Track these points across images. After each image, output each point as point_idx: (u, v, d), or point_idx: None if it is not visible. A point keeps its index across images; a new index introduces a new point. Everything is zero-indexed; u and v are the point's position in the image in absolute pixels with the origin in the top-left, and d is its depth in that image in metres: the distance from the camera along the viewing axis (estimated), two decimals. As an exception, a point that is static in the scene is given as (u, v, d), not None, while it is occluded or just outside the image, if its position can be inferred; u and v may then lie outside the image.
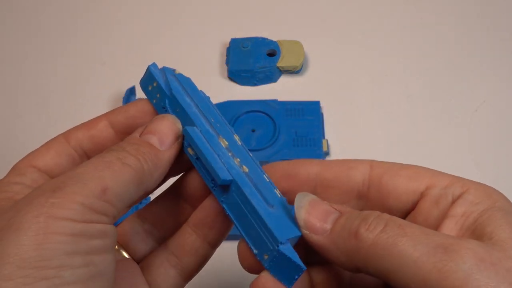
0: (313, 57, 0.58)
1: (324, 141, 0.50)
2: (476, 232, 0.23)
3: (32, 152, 0.27)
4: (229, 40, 0.57)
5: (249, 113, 0.52)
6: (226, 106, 0.53)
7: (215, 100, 0.54)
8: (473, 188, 0.25)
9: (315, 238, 0.25)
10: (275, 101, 0.53)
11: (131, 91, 0.53)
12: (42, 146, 0.28)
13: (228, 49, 0.57)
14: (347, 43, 0.59)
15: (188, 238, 0.29)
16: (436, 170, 0.27)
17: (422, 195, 0.26)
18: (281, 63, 0.55)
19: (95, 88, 0.56)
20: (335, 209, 0.25)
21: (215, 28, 0.60)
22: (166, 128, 0.27)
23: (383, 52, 0.58)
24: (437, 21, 0.61)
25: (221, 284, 0.44)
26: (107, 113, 0.29)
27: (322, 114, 0.53)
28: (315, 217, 0.25)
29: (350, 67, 0.57)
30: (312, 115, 0.52)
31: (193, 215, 0.30)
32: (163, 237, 0.31)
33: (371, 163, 0.28)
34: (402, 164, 0.27)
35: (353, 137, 0.52)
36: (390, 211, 0.27)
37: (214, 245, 0.30)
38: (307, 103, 0.53)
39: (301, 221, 0.25)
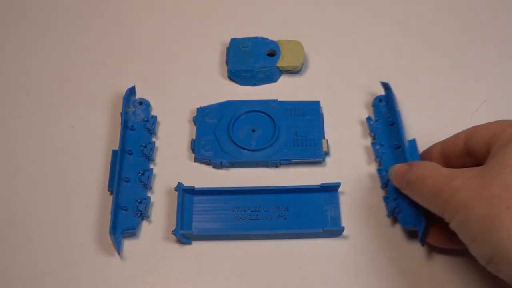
0: (313, 57, 0.58)
1: (324, 141, 0.50)
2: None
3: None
4: (229, 40, 0.57)
5: (249, 113, 0.52)
6: (226, 106, 0.53)
7: (215, 100, 0.55)
8: None
9: (403, 191, 0.43)
10: (275, 101, 0.53)
11: (131, 91, 0.53)
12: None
13: (228, 49, 0.57)
14: (347, 43, 0.59)
15: None
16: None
17: (490, 143, 0.38)
18: (281, 63, 0.55)
19: (95, 88, 0.56)
20: (407, 165, 0.42)
21: (215, 28, 0.60)
22: None
23: (382, 52, 0.58)
24: (437, 21, 0.61)
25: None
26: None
27: (322, 114, 0.53)
28: (398, 179, 0.43)
29: (350, 67, 0.57)
30: (312, 115, 0.52)
31: None
32: None
33: (466, 132, 0.42)
34: (483, 124, 0.41)
35: (353, 137, 0.52)
36: (478, 159, 0.40)
37: None
38: (307, 103, 0.53)
39: (393, 182, 0.44)
